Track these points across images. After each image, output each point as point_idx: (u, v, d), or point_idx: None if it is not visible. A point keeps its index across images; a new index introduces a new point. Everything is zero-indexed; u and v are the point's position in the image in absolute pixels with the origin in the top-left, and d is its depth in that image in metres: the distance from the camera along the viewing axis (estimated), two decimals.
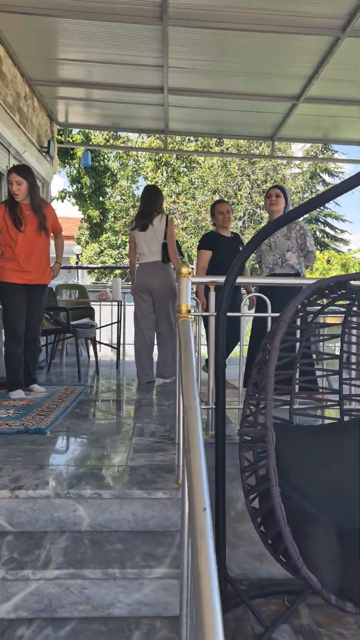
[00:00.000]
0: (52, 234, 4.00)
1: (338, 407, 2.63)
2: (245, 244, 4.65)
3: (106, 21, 4.35)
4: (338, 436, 2.42)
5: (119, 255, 17.43)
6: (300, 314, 2.40)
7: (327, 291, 2.15)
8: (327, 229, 22.57)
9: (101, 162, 10.09)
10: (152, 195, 4.64)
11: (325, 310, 2.45)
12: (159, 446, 2.69)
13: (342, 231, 23.05)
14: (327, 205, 19.38)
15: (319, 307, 2.50)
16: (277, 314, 2.49)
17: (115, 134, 7.92)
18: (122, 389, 4.47)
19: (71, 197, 11.06)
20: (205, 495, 1.17)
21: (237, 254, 4.45)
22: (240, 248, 4.67)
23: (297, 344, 2.51)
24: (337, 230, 22.91)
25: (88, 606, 1.79)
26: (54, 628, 1.72)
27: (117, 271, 14.41)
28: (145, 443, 2.74)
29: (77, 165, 10.19)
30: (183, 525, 1.56)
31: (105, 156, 10.70)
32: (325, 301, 2.37)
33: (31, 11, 4.21)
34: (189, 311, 1.85)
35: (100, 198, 10.69)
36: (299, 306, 2.07)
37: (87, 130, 10.08)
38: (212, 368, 2.70)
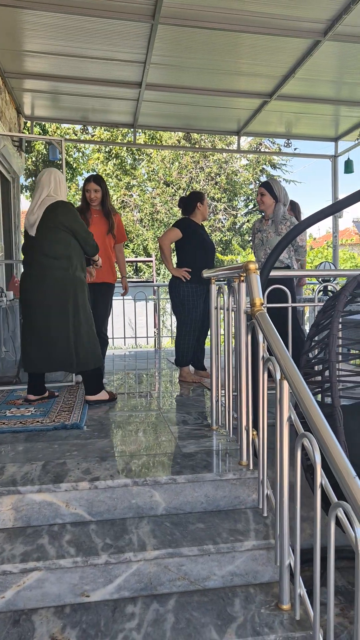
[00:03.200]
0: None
1: None
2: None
3: (92, 17, 4.37)
4: None
5: None
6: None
7: None
8: None
9: (59, 156, 9.95)
10: None
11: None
12: (199, 433, 2.83)
13: None
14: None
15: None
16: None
17: (84, 127, 7.82)
18: (125, 382, 4.56)
19: (27, 190, 10.83)
20: (349, 465, 1.35)
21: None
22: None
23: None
24: None
25: (186, 581, 1.92)
26: (160, 603, 1.84)
27: None
28: (185, 431, 2.87)
29: (33, 159, 9.98)
30: (281, 496, 1.73)
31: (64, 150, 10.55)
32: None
33: (14, 4, 4.17)
34: (262, 304, 2.01)
35: None
36: (349, 296, 2.27)
37: (43, 123, 9.89)
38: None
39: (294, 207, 5.37)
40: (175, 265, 4.36)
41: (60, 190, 3.41)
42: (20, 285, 3.48)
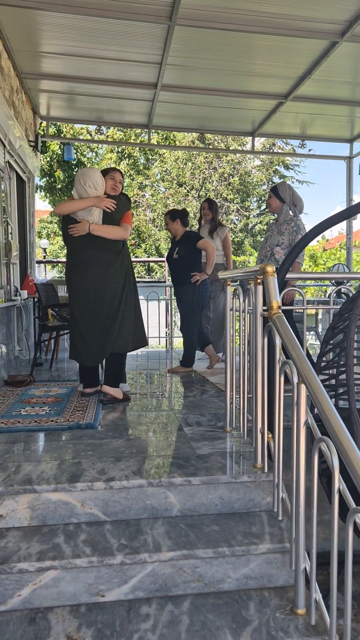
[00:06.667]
0: None
1: None
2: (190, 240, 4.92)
3: (109, 18, 4.38)
4: None
5: None
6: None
7: None
8: None
9: (74, 156, 10.00)
10: None
11: None
12: (213, 435, 2.83)
13: None
14: None
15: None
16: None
17: (99, 128, 7.84)
18: (137, 382, 4.57)
19: (40, 190, 10.89)
20: None
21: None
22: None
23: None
24: None
25: (200, 583, 1.92)
26: (175, 604, 1.84)
27: None
28: (199, 433, 2.87)
29: (48, 159, 10.03)
30: (297, 500, 1.72)
31: (78, 150, 10.60)
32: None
33: (32, 5, 4.19)
34: (279, 307, 2.00)
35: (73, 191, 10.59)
36: None
37: (58, 123, 9.94)
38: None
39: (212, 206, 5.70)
40: None
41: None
42: (75, 283, 3.57)
